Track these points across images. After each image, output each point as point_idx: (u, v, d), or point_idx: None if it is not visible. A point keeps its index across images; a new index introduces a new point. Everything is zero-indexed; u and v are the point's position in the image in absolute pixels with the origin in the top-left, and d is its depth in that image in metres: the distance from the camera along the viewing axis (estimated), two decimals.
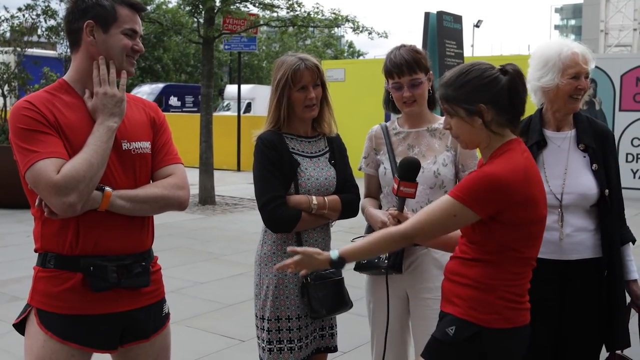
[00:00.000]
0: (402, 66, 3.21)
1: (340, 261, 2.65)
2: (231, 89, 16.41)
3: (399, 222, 2.84)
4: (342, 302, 3.28)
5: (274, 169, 3.19)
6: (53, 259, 2.48)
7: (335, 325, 3.43)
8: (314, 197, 3.20)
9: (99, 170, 2.41)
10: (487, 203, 2.44)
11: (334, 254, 2.65)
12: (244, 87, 31.72)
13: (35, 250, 2.57)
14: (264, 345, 3.26)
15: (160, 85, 32.50)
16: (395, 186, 2.93)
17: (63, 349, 2.46)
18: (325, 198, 3.24)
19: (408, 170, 2.93)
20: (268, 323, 3.22)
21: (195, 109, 29.65)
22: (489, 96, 2.50)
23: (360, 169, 3.51)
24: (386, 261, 3.20)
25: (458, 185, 2.53)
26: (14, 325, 2.63)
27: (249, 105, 28.20)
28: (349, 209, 3.31)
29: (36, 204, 2.44)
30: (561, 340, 3.23)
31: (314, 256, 2.67)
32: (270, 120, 3.29)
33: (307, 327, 3.26)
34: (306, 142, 3.34)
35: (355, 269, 3.31)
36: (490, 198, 2.44)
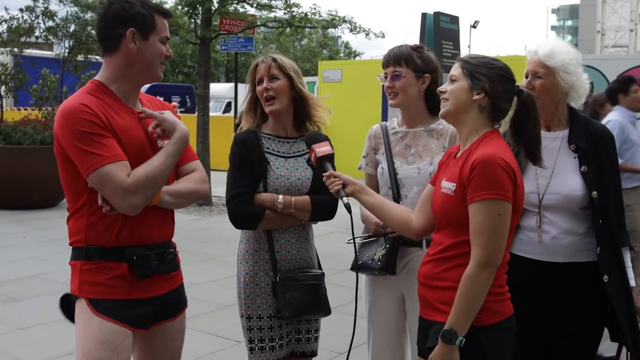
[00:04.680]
0: (388, 57, 3.31)
1: (452, 334, 2.48)
2: (212, 88, 16.38)
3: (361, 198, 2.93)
4: (315, 307, 3.25)
5: (243, 166, 3.25)
6: (97, 251, 2.66)
7: (316, 329, 3.40)
8: (280, 196, 3.21)
9: (165, 179, 2.69)
10: (508, 186, 2.49)
11: (458, 340, 2.49)
12: (223, 85, 31.51)
13: (72, 244, 2.73)
14: (246, 344, 3.33)
15: (146, 86, 31.90)
16: (313, 154, 3.03)
17: (118, 330, 2.66)
18: (293, 198, 3.23)
19: (313, 137, 3.07)
20: (249, 321, 3.29)
21: (183, 109, 29.50)
22: (498, 87, 2.61)
23: (360, 168, 3.52)
24: (379, 263, 3.21)
25: (473, 186, 2.50)
26: (64, 313, 2.79)
27: (228, 105, 27.99)
28: (320, 210, 3.27)
29: (99, 201, 2.60)
30: (554, 342, 3.24)
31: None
32: (245, 119, 3.39)
33: (280, 327, 3.26)
34: (284, 142, 3.35)
35: (352, 268, 3.30)
36: (507, 179, 2.49)
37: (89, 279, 2.68)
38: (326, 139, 3.12)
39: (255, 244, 3.29)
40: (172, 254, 2.85)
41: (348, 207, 2.87)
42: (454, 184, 2.58)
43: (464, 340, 2.48)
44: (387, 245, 3.24)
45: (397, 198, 3.28)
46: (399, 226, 2.94)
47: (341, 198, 2.91)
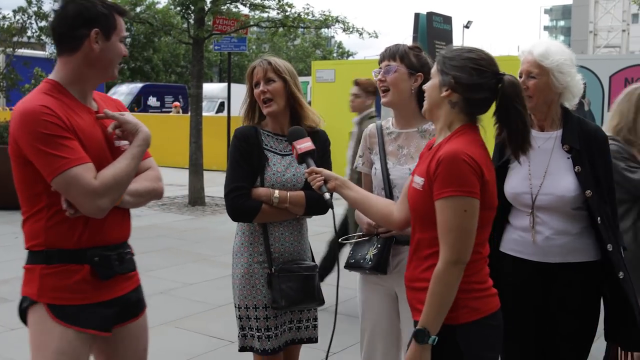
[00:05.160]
0: (384, 53, 3.34)
1: (425, 333, 2.46)
2: (205, 88, 16.35)
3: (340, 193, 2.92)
4: (309, 297, 3.36)
5: (243, 160, 3.34)
6: (57, 255, 2.60)
7: (315, 318, 3.51)
8: (276, 191, 3.31)
9: (130, 181, 2.67)
10: (474, 182, 2.44)
11: (430, 339, 2.47)
12: (216, 85, 31.39)
13: (29, 248, 2.65)
14: (238, 333, 3.42)
15: (139, 85, 32.09)
16: (295, 151, 3.06)
17: (79, 337, 2.62)
18: (288, 193, 3.32)
19: (295, 133, 3.11)
20: (238, 311, 3.40)
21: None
22: (466, 80, 2.53)
23: (356, 168, 3.55)
24: (370, 262, 3.24)
25: (439, 183, 2.47)
26: (22, 318, 2.71)
27: (221, 105, 27.97)
28: (314, 205, 3.33)
29: (63, 205, 2.55)
30: (550, 342, 3.24)
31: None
32: (245, 120, 3.51)
33: (275, 318, 3.35)
34: (282, 140, 3.46)
35: (345, 266, 3.35)
36: (473, 175, 2.44)
37: (50, 284, 2.60)
38: (307, 135, 3.16)
39: (251, 236, 3.39)
40: (130, 254, 2.82)
41: (330, 204, 2.93)
42: (423, 179, 2.56)
43: (436, 339, 2.46)
44: (379, 245, 3.26)
45: (390, 198, 3.27)
46: (381, 219, 2.95)
47: (323, 194, 2.93)
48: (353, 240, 3.41)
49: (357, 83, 6.28)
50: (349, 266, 3.37)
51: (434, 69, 2.67)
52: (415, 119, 3.35)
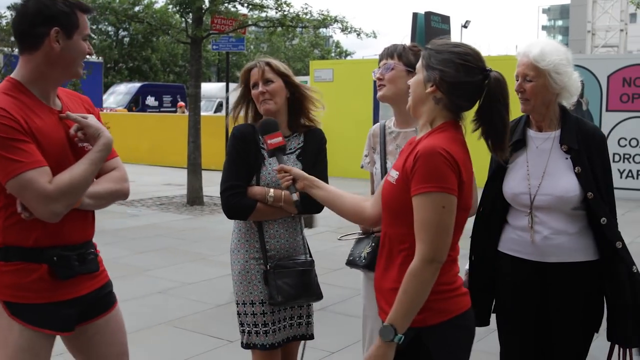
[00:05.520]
0: (383, 52, 3.39)
1: (391, 330, 2.36)
2: (204, 88, 16.34)
3: (294, 181, 2.86)
4: (307, 292, 3.38)
5: (240, 159, 3.37)
6: (15, 252, 2.58)
7: (309, 314, 3.51)
8: (271, 190, 3.32)
9: (87, 186, 2.62)
10: (452, 178, 2.36)
11: (397, 337, 2.37)
12: (214, 85, 31.30)
13: None
14: (239, 328, 3.44)
15: (137, 85, 31.96)
16: (265, 145, 3.07)
17: (39, 336, 2.60)
18: (283, 192, 3.30)
19: (267, 126, 3.10)
20: (237, 307, 3.43)
21: (174, 109, 29.28)
22: (452, 77, 2.44)
23: (362, 167, 3.60)
24: (364, 260, 3.31)
25: (417, 179, 2.37)
26: None
27: (220, 104, 27.74)
28: (308, 204, 3.24)
29: (18, 208, 2.53)
30: (548, 342, 3.25)
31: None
32: (235, 117, 3.59)
33: (272, 313, 3.37)
34: None
35: (346, 263, 3.44)
36: (451, 172, 2.36)
37: (7, 282, 2.59)
38: (278, 129, 3.12)
39: (247, 234, 3.43)
40: (93, 254, 2.78)
41: (297, 204, 2.91)
42: (397, 173, 2.48)
43: (402, 338, 2.36)
44: (373, 244, 3.31)
45: None
46: (353, 216, 2.82)
47: (292, 194, 2.91)
48: (351, 238, 3.48)
49: None
50: (348, 263, 3.46)
51: (419, 64, 2.57)
52: (412, 118, 3.37)
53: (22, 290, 2.59)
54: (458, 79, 2.44)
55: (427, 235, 2.34)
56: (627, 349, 3.28)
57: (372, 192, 3.50)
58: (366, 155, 3.55)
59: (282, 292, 3.31)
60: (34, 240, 2.58)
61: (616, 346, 3.30)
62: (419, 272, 2.34)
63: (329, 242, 7.23)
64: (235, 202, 3.33)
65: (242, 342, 3.45)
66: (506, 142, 2.54)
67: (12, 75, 2.64)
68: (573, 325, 3.20)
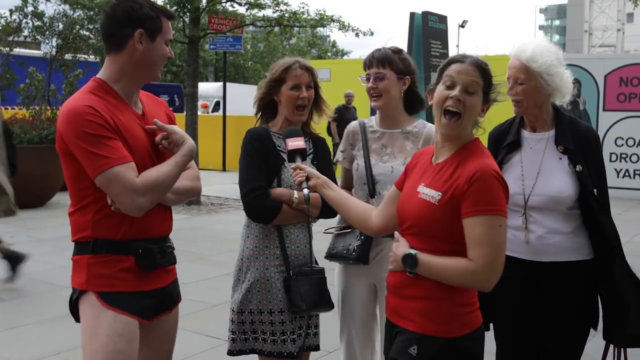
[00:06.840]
0: (371, 59, 3.43)
1: (414, 259, 2.46)
2: (201, 87, 16.33)
3: (308, 179, 2.96)
4: (324, 301, 3.33)
5: (260, 161, 3.30)
6: (105, 245, 2.71)
7: (317, 325, 3.47)
8: (295, 192, 3.26)
9: (171, 186, 2.77)
10: (504, 200, 2.44)
11: (413, 250, 2.49)
12: (211, 85, 31.34)
13: (76, 240, 2.77)
14: (234, 337, 3.36)
15: None
16: (286, 147, 3.11)
17: (130, 321, 2.73)
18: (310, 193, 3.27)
19: (292, 132, 3.15)
20: (250, 315, 3.29)
21: (171, 109, 29.15)
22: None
23: (336, 162, 3.63)
24: (354, 253, 3.32)
25: (472, 200, 2.40)
26: (71, 310, 2.83)
27: (217, 104, 27.79)
28: (328, 208, 3.30)
29: (109, 201, 2.66)
30: (543, 341, 3.25)
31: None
32: (262, 116, 3.50)
33: (291, 322, 3.28)
34: None
35: (326, 257, 3.45)
36: (503, 194, 2.45)
37: (97, 273, 2.71)
38: (302, 135, 3.20)
39: (265, 240, 3.31)
40: (171, 248, 2.93)
41: (307, 198, 2.97)
42: (439, 193, 2.46)
43: (414, 274, 2.46)
44: (362, 237, 3.34)
45: (372, 193, 3.40)
46: (357, 222, 2.93)
47: (302, 189, 2.98)
48: (336, 232, 3.49)
49: None
50: (330, 256, 3.46)
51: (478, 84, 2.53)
52: (400, 120, 3.50)
53: (111, 279, 2.72)
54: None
55: (490, 250, 2.39)
56: (622, 349, 3.30)
57: (344, 186, 3.56)
58: (342, 151, 3.62)
59: (305, 299, 3.23)
60: (123, 234, 2.71)
61: (611, 346, 3.32)
62: (472, 275, 2.39)
63: (326, 242, 7.47)
64: (262, 204, 3.23)
65: (232, 350, 3.38)
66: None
67: (98, 75, 2.78)
68: (567, 324, 3.21)
